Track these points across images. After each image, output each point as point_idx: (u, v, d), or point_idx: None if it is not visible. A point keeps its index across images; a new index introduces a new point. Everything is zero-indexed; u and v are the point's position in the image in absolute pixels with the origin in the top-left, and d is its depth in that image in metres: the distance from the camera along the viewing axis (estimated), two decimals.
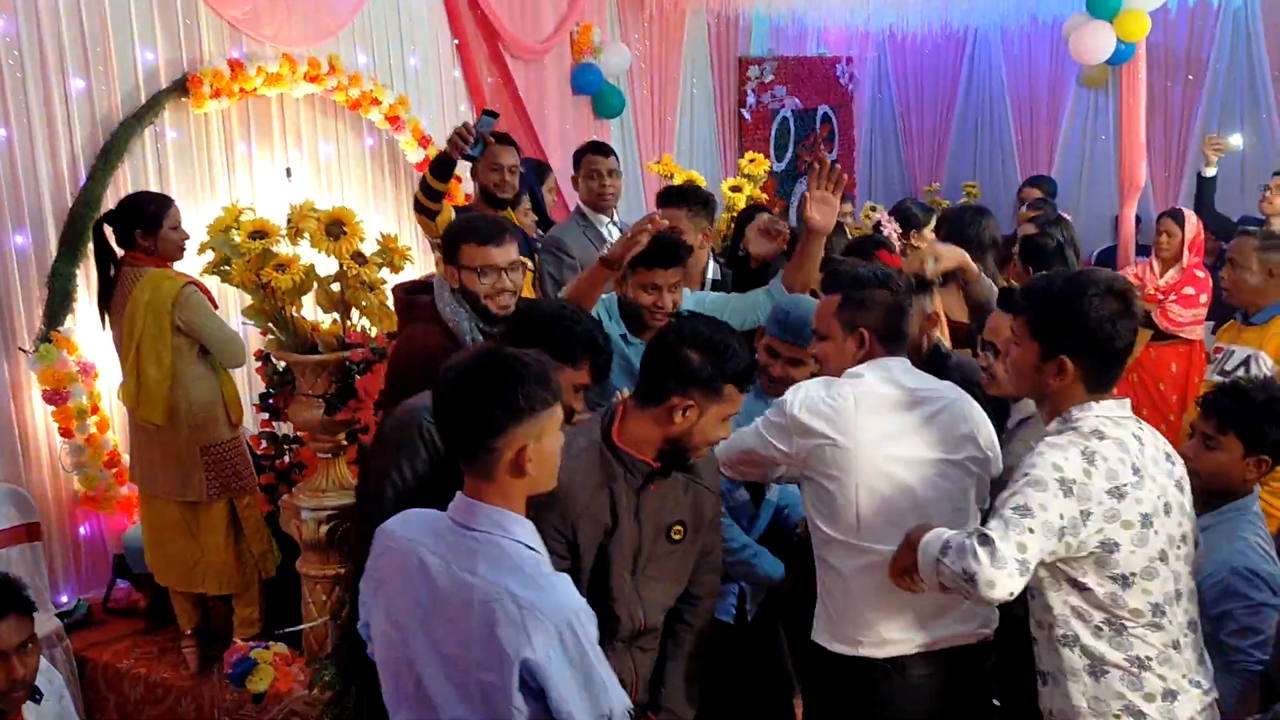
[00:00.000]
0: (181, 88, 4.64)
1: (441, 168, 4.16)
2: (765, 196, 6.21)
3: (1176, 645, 2.14)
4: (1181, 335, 5.39)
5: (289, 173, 5.23)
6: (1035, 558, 2.01)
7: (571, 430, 2.25)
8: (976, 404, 2.54)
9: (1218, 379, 3.84)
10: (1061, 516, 2.02)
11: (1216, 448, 2.61)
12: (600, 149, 4.74)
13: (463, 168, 4.53)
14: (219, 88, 4.70)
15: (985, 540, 2.00)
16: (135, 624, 4.32)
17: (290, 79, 4.99)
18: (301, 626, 3.58)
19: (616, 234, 4.63)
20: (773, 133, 8.68)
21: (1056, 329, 2.12)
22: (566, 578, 1.92)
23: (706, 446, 2.38)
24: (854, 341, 2.53)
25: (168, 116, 4.68)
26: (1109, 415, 2.11)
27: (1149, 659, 2.12)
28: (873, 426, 2.41)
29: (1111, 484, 2.03)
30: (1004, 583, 1.98)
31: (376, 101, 5.45)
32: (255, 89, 4.89)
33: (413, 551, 1.94)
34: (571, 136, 6.83)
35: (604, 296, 3.30)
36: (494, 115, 4.39)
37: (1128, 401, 2.18)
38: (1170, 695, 2.13)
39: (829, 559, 2.48)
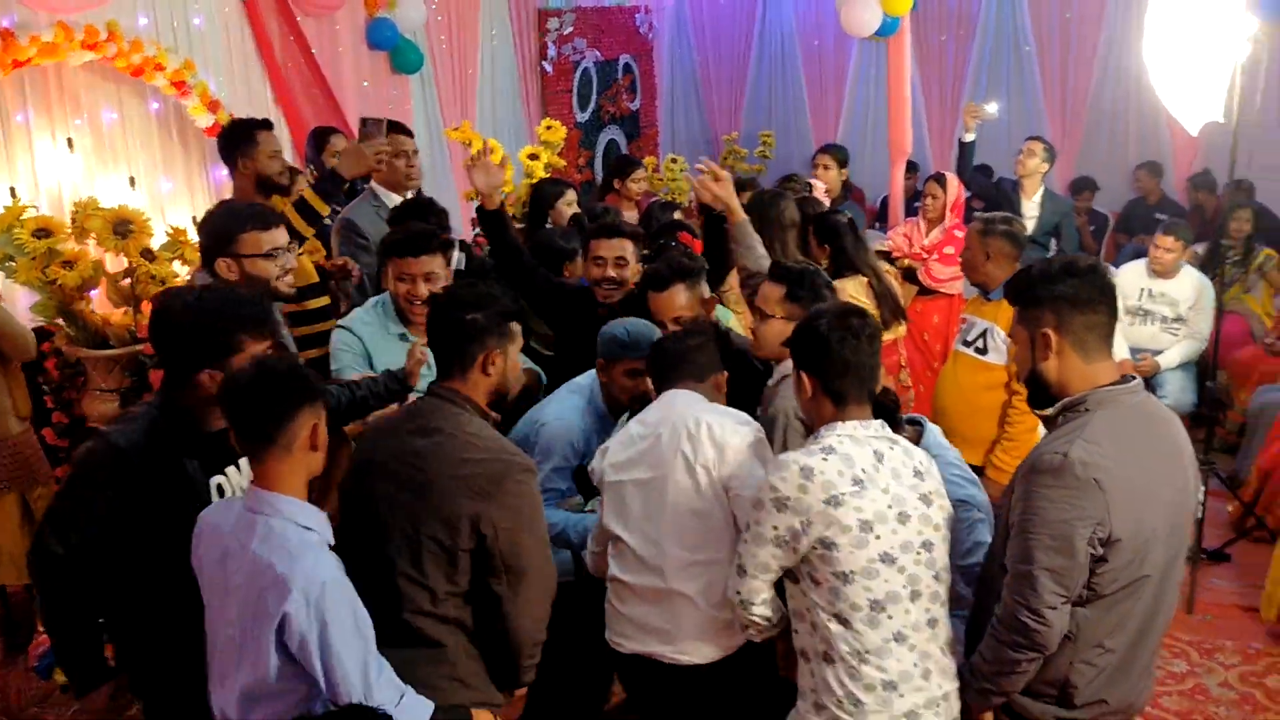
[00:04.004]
0: None
1: (329, 189, 3.95)
2: (563, 163, 6.37)
3: (901, 639, 2.36)
4: (942, 290, 5.88)
5: (70, 143, 5.07)
6: (757, 566, 2.43)
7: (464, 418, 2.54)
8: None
9: (961, 348, 4.28)
10: (776, 529, 2.37)
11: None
12: (404, 129, 4.73)
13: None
14: None
15: (739, 569, 2.49)
16: None
17: (67, 48, 4.82)
18: None
19: None
20: (575, 84, 8.79)
21: (799, 349, 2.51)
22: (329, 554, 2.22)
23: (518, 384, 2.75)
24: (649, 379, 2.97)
25: None
26: (850, 434, 2.42)
27: (868, 652, 2.35)
28: (614, 454, 2.82)
29: (827, 493, 2.33)
30: (747, 592, 2.49)
31: (160, 67, 5.31)
32: (29, 59, 4.71)
33: (217, 534, 2.27)
34: (370, 94, 6.80)
35: (378, 298, 3.48)
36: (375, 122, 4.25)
37: (875, 423, 2.47)
38: (890, 686, 2.35)
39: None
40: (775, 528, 2.39)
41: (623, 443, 2.82)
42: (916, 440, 2.91)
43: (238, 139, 4.05)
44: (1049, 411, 2.45)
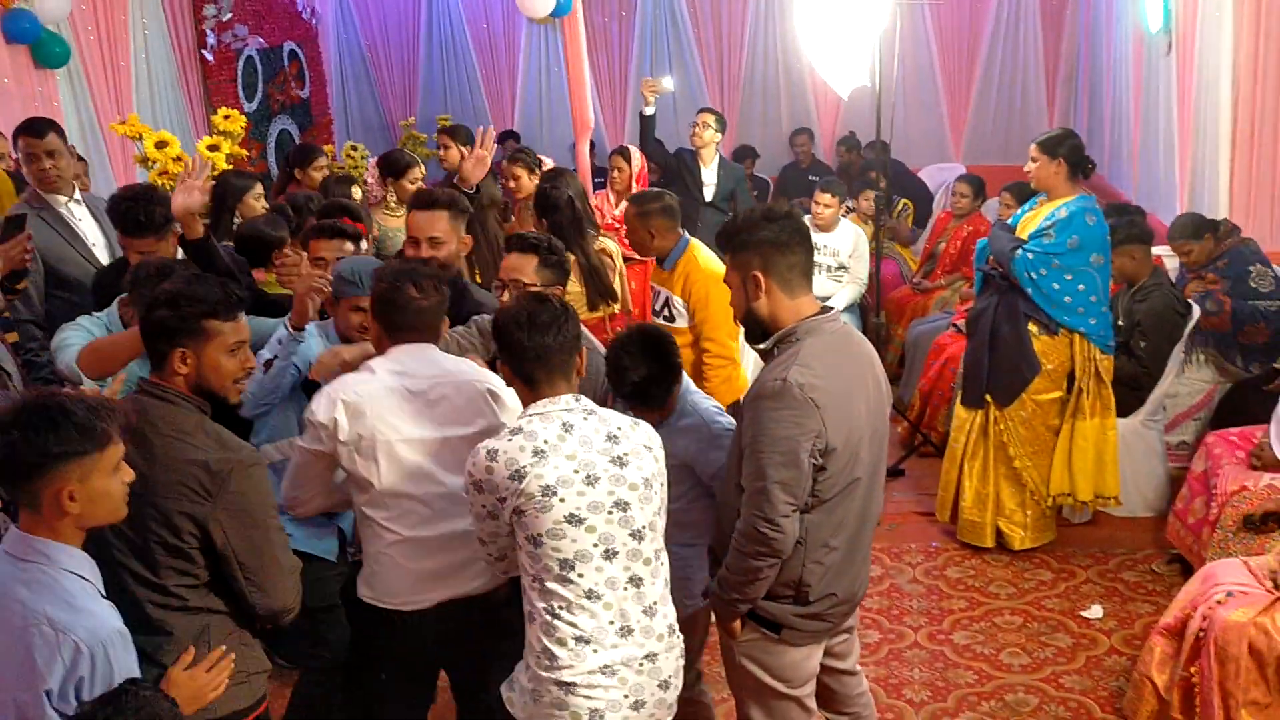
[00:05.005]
0: None
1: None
2: (245, 153, 6.14)
3: (594, 596, 2.45)
4: (637, 257, 6.18)
5: None
6: (488, 535, 2.59)
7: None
8: (493, 379, 2.85)
9: (654, 317, 4.54)
10: (484, 507, 2.52)
11: None
12: (34, 129, 4.32)
13: None
14: None
15: (480, 540, 2.62)
16: None
17: None
18: None
19: (81, 211, 4.41)
20: (239, 73, 8.42)
21: (497, 341, 2.63)
22: (110, 605, 2.11)
23: (234, 380, 2.54)
24: (374, 328, 2.88)
25: None
26: (538, 412, 2.53)
27: (561, 609, 2.45)
28: (386, 416, 2.73)
29: (511, 470, 2.44)
30: (495, 551, 2.62)
31: None
32: None
33: None
34: (13, 91, 6.22)
35: (104, 314, 3.29)
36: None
37: (565, 398, 2.56)
38: (582, 641, 2.44)
39: (366, 531, 2.84)
40: (484, 506, 2.52)
41: (396, 403, 2.74)
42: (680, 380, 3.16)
43: None
44: (766, 345, 2.73)
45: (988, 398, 4.82)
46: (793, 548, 2.62)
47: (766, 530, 2.56)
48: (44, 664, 1.96)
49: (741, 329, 2.85)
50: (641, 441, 2.60)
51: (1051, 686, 3.92)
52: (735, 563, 2.65)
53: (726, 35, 9.59)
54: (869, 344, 2.86)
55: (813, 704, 2.88)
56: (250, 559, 2.42)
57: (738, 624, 2.76)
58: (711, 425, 3.09)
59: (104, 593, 2.13)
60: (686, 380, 3.20)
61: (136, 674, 2.10)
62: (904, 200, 8.00)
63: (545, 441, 2.48)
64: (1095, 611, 4.37)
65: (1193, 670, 3.30)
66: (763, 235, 2.67)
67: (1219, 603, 3.29)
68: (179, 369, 2.45)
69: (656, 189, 4.64)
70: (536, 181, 5.41)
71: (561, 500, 2.44)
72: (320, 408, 2.75)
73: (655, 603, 2.56)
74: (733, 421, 3.12)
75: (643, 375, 3.03)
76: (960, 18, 9.42)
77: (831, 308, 2.78)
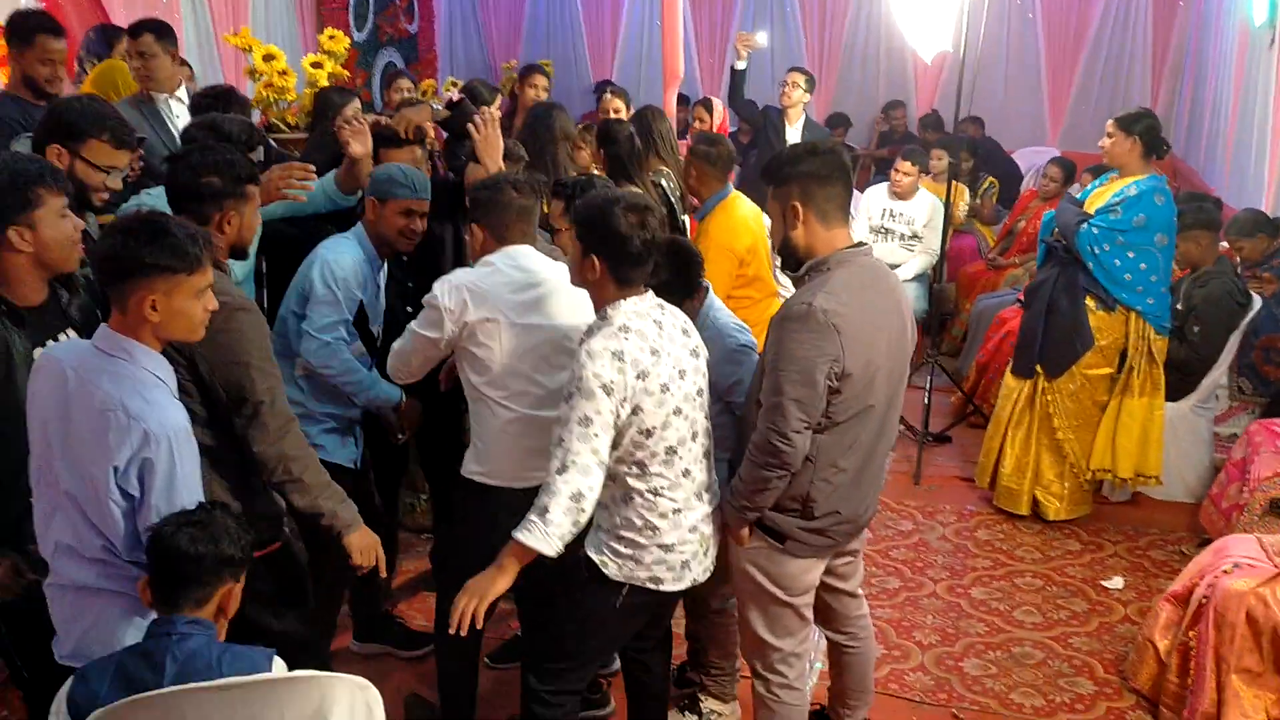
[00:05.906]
0: None
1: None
2: (346, 73, 6.41)
3: (687, 474, 2.77)
4: None
5: None
6: (594, 460, 2.61)
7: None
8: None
9: None
10: (613, 411, 2.65)
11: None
12: (132, 31, 4.66)
13: None
14: None
15: (563, 468, 2.59)
16: None
17: None
18: None
19: (180, 109, 4.71)
20: (352, 3, 8.73)
21: (590, 234, 2.75)
22: (179, 405, 2.38)
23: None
24: (479, 234, 3.15)
25: None
26: (634, 309, 2.70)
27: (662, 488, 2.73)
28: (508, 301, 3.01)
29: (637, 370, 2.63)
30: (590, 484, 2.60)
31: None
32: None
33: (58, 366, 2.33)
34: (138, 1, 6.60)
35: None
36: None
37: (648, 295, 2.75)
38: (677, 512, 2.77)
39: (483, 412, 3.09)
40: (613, 410, 2.64)
41: (516, 291, 3.02)
42: (704, 297, 3.32)
43: (15, 34, 4.13)
44: (799, 273, 2.88)
45: (1038, 368, 4.88)
46: (802, 464, 2.78)
47: (778, 443, 2.72)
48: (115, 444, 2.24)
49: (779, 259, 2.99)
50: (696, 330, 2.88)
51: (1059, 645, 4.02)
52: (747, 472, 2.82)
53: (831, 1, 9.63)
54: (897, 279, 2.99)
55: (809, 614, 3.04)
56: (234, 392, 2.67)
57: (746, 531, 2.93)
58: (727, 340, 3.25)
59: (176, 395, 2.39)
60: (712, 298, 3.35)
61: (198, 471, 2.37)
62: (990, 179, 7.99)
63: (654, 340, 2.70)
64: (1116, 582, 4.44)
65: (1191, 635, 3.38)
66: (804, 168, 2.81)
67: (1225, 572, 3.36)
68: (225, 229, 2.77)
69: (718, 135, 4.76)
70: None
71: (672, 395, 2.70)
72: (445, 293, 3.01)
73: (713, 468, 2.90)
74: (752, 340, 3.28)
75: (659, 281, 3.18)
76: (1070, 1, 9.31)
77: (865, 243, 2.91)
